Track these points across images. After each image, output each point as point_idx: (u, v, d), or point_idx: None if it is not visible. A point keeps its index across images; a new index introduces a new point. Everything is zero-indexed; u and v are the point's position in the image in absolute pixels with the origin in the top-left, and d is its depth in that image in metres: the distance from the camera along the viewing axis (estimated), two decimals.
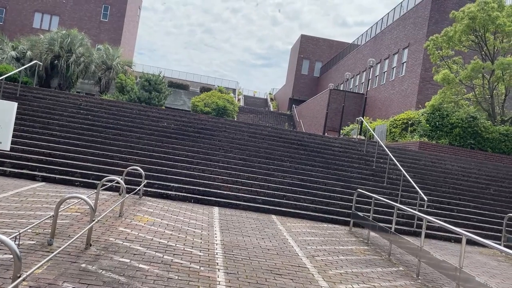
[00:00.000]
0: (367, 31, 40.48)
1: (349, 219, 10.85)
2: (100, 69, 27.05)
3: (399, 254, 8.64)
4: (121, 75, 26.27)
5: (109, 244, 6.33)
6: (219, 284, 5.45)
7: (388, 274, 7.11)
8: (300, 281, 6.04)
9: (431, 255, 7.14)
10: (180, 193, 11.10)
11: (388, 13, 35.13)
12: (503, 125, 20.76)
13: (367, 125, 17.90)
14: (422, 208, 11.39)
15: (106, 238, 6.62)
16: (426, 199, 11.21)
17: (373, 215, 10.12)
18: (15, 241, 4.95)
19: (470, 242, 10.12)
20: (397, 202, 11.66)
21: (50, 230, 6.03)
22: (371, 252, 8.56)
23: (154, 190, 10.94)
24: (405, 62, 29.37)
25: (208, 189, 11.55)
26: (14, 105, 8.17)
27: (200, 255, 6.52)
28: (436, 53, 21.65)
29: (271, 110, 57.30)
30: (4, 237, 3.56)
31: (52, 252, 5.26)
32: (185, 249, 6.74)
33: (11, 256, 3.64)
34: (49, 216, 6.28)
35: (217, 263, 6.27)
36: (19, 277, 3.51)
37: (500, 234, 11.62)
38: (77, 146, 12.56)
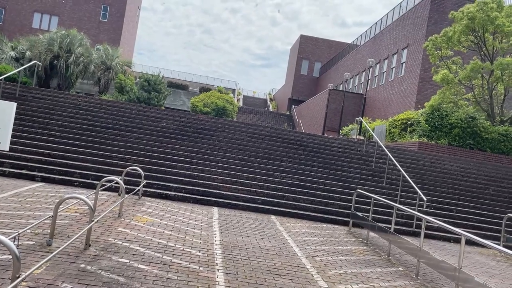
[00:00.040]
0: (366, 31, 40.51)
1: (349, 219, 10.86)
2: (99, 69, 27.05)
3: (398, 254, 8.64)
4: (121, 75, 26.26)
5: (108, 245, 6.33)
6: (218, 284, 5.45)
7: (387, 274, 7.11)
8: (299, 281, 6.04)
9: (430, 255, 7.14)
10: (180, 193, 11.09)
11: (387, 14, 35.15)
12: (502, 125, 20.78)
13: (367, 125, 17.91)
14: (421, 208, 11.40)
15: (105, 238, 6.62)
16: (425, 199, 11.22)
17: (373, 215, 10.12)
18: (14, 242, 4.94)
19: (469, 242, 10.14)
20: (396, 202, 11.66)
21: (49, 231, 6.03)
22: (371, 252, 8.56)
23: (154, 190, 10.94)
24: (404, 62, 29.39)
25: (207, 189, 11.55)
26: (13, 105, 8.16)
27: (199, 255, 6.52)
28: (435, 53, 21.68)
29: (271, 110, 57.32)
30: (3, 238, 3.55)
31: (51, 253, 5.26)
32: (184, 249, 6.74)
33: (10, 256, 3.64)
34: (48, 216, 6.27)
35: (216, 263, 6.27)
36: (18, 277, 3.51)
37: (499, 234, 11.63)
38: (76, 146, 12.55)
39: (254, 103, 60.82)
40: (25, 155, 11.47)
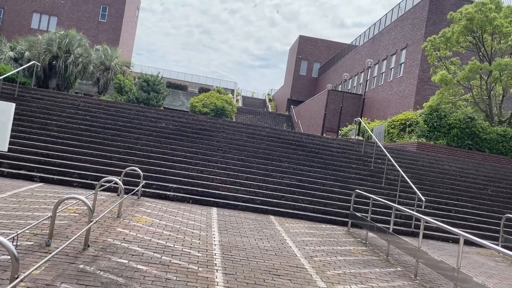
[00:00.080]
0: (365, 32, 40.56)
1: (347, 220, 10.87)
2: (98, 69, 27.04)
3: (397, 255, 8.65)
4: (120, 76, 26.26)
5: (107, 245, 6.33)
6: (217, 284, 5.45)
7: (386, 275, 7.12)
8: (298, 281, 6.05)
9: (429, 256, 7.15)
10: (178, 194, 11.10)
11: (386, 14, 35.20)
12: (500, 125, 20.81)
13: (365, 126, 17.92)
14: (420, 209, 11.41)
15: (104, 238, 6.62)
16: (424, 199, 11.24)
17: (371, 215, 10.14)
18: (12, 242, 4.94)
19: (467, 242, 10.15)
20: (395, 203, 11.68)
21: (48, 231, 6.02)
22: (369, 252, 8.57)
23: (152, 190, 10.94)
24: (403, 63, 29.43)
25: (207, 190, 11.55)
26: (12, 105, 8.16)
27: (198, 256, 6.52)
28: (434, 54, 21.71)
29: (270, 110, 57.35)
30: (1, 238, 3.56)
31: (50, 253, 5.26)
32: (183, 249, 6.74)
33: (9, 257, 3.64)
34: (47, 216, 6.27)
35: (215, 264, 6.27)
36: (17, 278, 3.51)
37: (498, 235, 11.64)
38: (75, 146, 12.55)
39: (253, 104, 60.84)
40: (24, 156, 11.46)
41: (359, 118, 20.43)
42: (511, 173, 17.26)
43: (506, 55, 21.35)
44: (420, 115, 20.85)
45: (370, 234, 9.61)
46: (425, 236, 10.83)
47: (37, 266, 4.44)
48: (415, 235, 10.96)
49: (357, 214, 10.36)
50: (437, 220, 10.00)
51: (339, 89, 40.76)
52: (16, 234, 5.24)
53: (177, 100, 43.74)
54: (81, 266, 5.34)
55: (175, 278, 5.46)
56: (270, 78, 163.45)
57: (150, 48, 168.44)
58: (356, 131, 23.28)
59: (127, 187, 10.19)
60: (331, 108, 34.91)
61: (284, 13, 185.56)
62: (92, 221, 5.97)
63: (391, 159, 13.60)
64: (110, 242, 6.50)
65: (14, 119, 10.50)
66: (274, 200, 11.68)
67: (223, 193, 11.59)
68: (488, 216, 13.24)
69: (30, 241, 5.97)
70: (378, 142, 15.55)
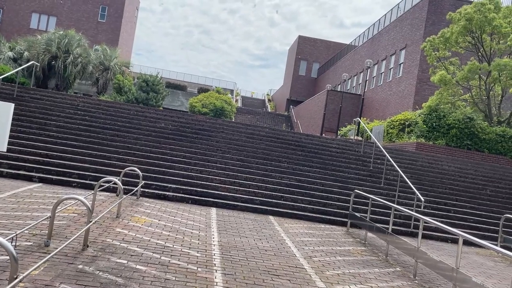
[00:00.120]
0: (364, 32, 40.58)
1: (346, 220, 10.87)
2: (97, 69, 27.03)
3: (396, 255, 8.66)
4: (119, 76, 26.26)
5: (106, 245, 6.32)
6: (216, 285, 5.45)
7: (385, 275, 7.13)
8: (297, 282, 6.05)
9: (428, 256, 7.16)
10: (178, 194, 11.10)
11: (385, 14, 35.22)
12: (499, 126, 20.83)
13: (364, 126, 17.94)
14: (419, 209, 11.42)
15: (103, 239, 6.61)
16: (423, 199, 11.24)
17: (370, 215, 10.14)
18: (11, 242, 4.94)
19: (466, 242, 10.15)
20: (394, 203, 11.69)
21: (47, 231, 6.02)
22: (368, 252, 8.58)
23: (152, 191, 10.94)
24: (402, 63, 29.45)
25: (206, 190, 11.55)
26: (11, 106, 8.15)
27: (197, 256, 6.53)
28: (433, 54, 21.73)
29: (269, 111, 57.36)
30: (0, 239, 3.55)
31: (49, 253, 5.26)
32: (182, 250, 6.74)
33: (8, 257, 3.63)
34: (46, 217, 6.27)
35: (215, 264, 6.27)
36: (16, 278, 3.51)
37: (497, 235, 11.65)
38: (74, 147, 12.54)
39: (252, 104, 60.86)
40: (23, 156, 11.45)
41: (358, 118, 20.44)
42: (510, 173, 17.28)
43: (505, 56, 21.37)
44: (419, 115, 20.87)
45: (369, 234, 9.62)
46: (424, 236, 10.83)
47: (36, 267, 4.44)
48: (414, 235, 10.97)
49: (356, 214, 10.36)
50: (436, 220, 10.01)
51: (339, 89, 40.79)
52: (15, 234, 5.24)
53: (176, 100, 43.73)
54: (80, 266, 5.34)
55: (174, 278, 5.46)
56: (269, 78, 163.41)
57: (149, 48, 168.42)
58: (355, 131, 23.29)
59: (126, 187, 10.19)
60: (330, 108, 34.93)
61: (283, 13, 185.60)
62: (91, 221, 5.97)
63: (390, 159, 13.61)
64: (109, 242, 6.50)
65: (13, 119, 10.49)
66: (273, 200, 11.68)
67: (222, 193, 11.59)
68: (487, 216, 13.25)
69: (29, 241, 5.97)
70: (377, 142, 15.56)
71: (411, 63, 27.79)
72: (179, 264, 6.02)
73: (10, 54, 24.49)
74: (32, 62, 18.86)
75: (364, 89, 28.83)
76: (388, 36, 33.10)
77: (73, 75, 25.16)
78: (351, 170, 14.61)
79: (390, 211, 9.69)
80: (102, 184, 8.53)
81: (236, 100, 54.74)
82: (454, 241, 11.12)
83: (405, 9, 30.84)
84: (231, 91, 57.10)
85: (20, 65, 21.63)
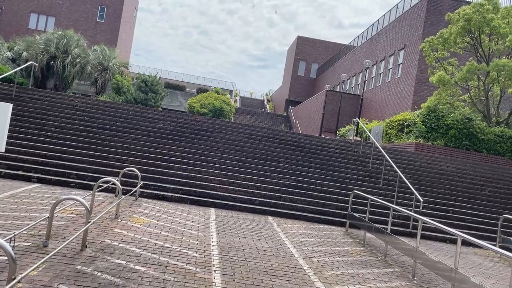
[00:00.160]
0: (363, 32, 40.61)
1: (345, 220, 10.87)
2: (96, 70, 27.01)
3: (395, 255, 8.66)
4: (118, 76, 26.23)
5: (104, 246, 6.31)
6: (215, 285, 5.45)
7: (384, 275, 7.13)
8: (296, 282, 6.05)
9: (427, 256, 7.16)
10: (177, 194, 11.09)
11: (384, 15, 35.26)
12: (498, 126, 20.86)
13: (363, 127, 17.95)
14: (417, 209, 11.43)
15: (102, 239, 6.60)
16: (421, 200, 11.25)
17: (369, 216, 10.14)
18: (10, 243, 4.93)
19: (465, 243, 10.14)
20: (393, 203, 11.69)
21: (45, 232, 6.01)
22: (367, 253, 8.58)
23: (150, 191, 10.93)
24: (401, 63, 29.48)
25: (205, 190, 11.54)
26: (9, 106, 8.14)
27: (196, 257, 6.52)
28: (431, 54, 21.76)
29: (268, 111, 57.38)
30: None
31: (48, 254, 5.25)
32: (181, 250, 6.73)
33: (6, 258, 3.63)
34: (44, 217, 6.26)
35: (213, 265, 6.27)
36: (14, 279, 3.50)
37: (495, 235, 11.67)
38: (73, 147, 12.53)
39: (251, 104, 60.86)
40: (21, 156, 11.43)
41: (357, 119, 20.46)
42: (509, 173, 17.30)
43: (503, 56, 21.41)
44: (418, 116, 20.89)
45: (368, 234, 9.62)
46: (423, 237, 10.84)
47: (34, 267, 4.43)
48: (413, 235, 10.98)
49: (355, 214, 10.37)
50: (435, 221, 10.02)
51: (337, 90, 40.81)
52: (13, 235, 5.23)
53: (175, 101, 43.71)
54: (79, 267, 5.33)
55: (173, 279, 5.45)
56: (268, 79, 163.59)
57: (148, 49, 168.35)
58: (354, 131, 23.30)
59: (125, 187, 10.18)
60: (329, 108, 34.95)
61: (282, 14, 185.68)
62: (89, 222, 5.96)
63: (389, 159, 13.61)
64: (107, 243, 6.49)
65: (12, 119, 10.48)
66: (272, 201, 11.68)
67: (221, 193, 11.58)
68: (485, 217, 13.26)
69: (28, 242, 5.96)
70: (376, 142, 15.57)
71: (410, 64, 27.82)
72: (177, 265, 6.01)
73: (9, 54, 24.46)
74: (31, 62, 18.83)
75: (363, 90, 28.84)
76: (387, 36, 33.14)
77: (72, 75, 25.15)
78: (350, 171, 14.61)
79: (389, 212, 9.70)
80: (100, 184, 8.51)
81: (235, 101, 54.74)
82: (453, 241, 11.14)
83: (404, 9, 30.88)
84: (230, 92, 57.10)
85: (19, 65, 21.61)
